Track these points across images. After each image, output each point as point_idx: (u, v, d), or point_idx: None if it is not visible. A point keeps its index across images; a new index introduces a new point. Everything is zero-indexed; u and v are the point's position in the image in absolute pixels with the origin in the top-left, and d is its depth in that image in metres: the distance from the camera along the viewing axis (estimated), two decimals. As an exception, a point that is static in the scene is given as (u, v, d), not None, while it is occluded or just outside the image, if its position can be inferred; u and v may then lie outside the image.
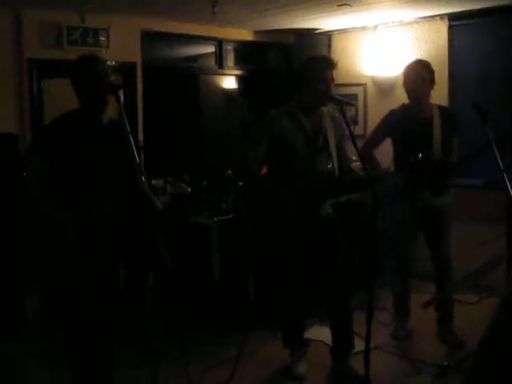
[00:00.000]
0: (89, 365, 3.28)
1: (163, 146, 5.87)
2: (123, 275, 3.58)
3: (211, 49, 6.57)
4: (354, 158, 3.98)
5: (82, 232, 3.13)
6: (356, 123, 6.36)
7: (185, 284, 4.57)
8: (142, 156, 4.83)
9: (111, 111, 3.28)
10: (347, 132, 3.41)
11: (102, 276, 3.27)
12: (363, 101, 6.52)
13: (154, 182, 5.15)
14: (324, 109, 3.69)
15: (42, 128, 4.62)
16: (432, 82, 4.16)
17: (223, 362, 3.96)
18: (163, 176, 5.34)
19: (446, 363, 3.78)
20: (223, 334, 4.44)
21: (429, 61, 4.26)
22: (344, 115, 3.38)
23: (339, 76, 3.66)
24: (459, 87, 5.76)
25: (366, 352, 3.09)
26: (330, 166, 3.63)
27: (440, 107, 4.28)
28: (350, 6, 5.17)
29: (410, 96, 4.22)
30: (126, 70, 5.73)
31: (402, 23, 6.09)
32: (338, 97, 3.49)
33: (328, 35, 6.74)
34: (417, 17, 5.88)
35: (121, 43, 5.59)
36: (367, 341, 3.06)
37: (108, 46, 5.46)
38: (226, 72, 6.72)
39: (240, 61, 6.84)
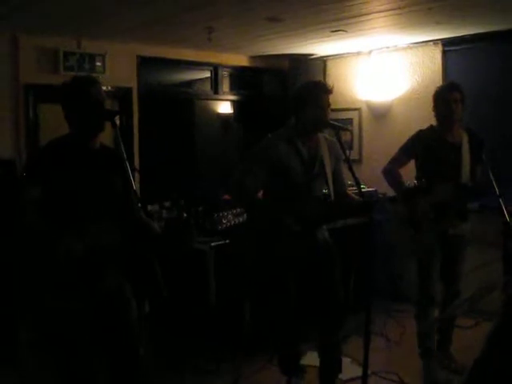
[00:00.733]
0: None
1: (159, 172, 5.87)
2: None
3: (207, 74, 6.61)
4: (349, 182, 3.96)
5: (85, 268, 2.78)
6: (351, 148, 6.34)
7: (180, 310, 4.53)
8: (138, 181, 4.81)
9: (103, 136, 3.01)
10: (343, 157, 3.41)
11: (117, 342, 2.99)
12: (358, 125, 6.55)
13: (150, 207, 5.13)
14: (320, 134, 3.68)
15: (30, 157, 4.20)
16: (463, 104, 4.01)
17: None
18: (159, 201, 5.33)
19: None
20: (219, 360, 4.40)
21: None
22: (340, 140, 3.37)
23: (334, 101, 3.65)
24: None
25: (364, 377, 3.06)
26: (325, 191, 3.62)
27: (468, 130, 4.12)
28: (345, 31, 5.22)
29: (441, 120, 4.08)
30: (122, 95, 5.76)
31: (396, 48, 6.15)
32: (334, 122, 3.47)
33: (323, 60, 6.79)
34: (411, 42, 5.94)
35: (117, 68, 5.62)
36: (365, 366, 3.03)
37: (104, 72, 5.49)
38: (222, 97, 6.76)
39: (235, 86, 6.88)
